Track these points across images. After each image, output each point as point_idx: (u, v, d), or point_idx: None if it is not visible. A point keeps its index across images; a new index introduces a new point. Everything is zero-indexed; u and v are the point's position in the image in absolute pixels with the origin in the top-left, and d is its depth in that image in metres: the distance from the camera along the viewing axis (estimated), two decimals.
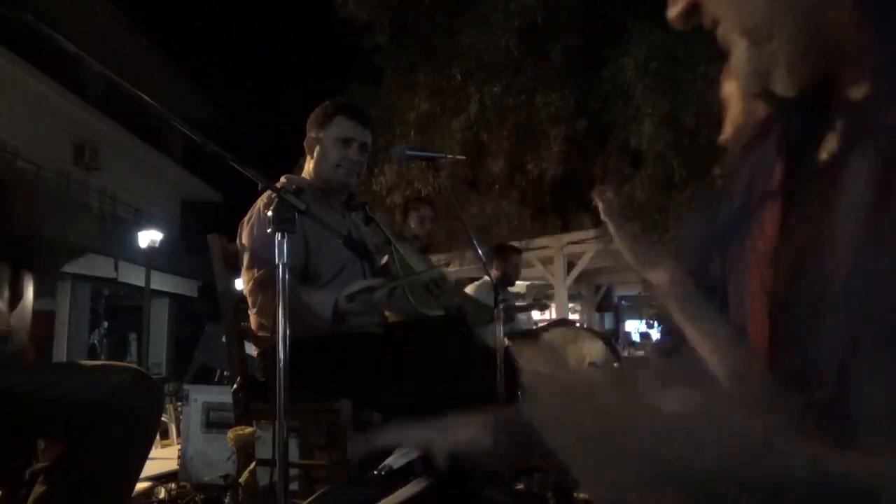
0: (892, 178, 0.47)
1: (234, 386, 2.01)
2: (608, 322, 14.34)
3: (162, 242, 13.80)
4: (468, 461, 0.81)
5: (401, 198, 8.04)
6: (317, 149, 2.15)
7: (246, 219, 2.06)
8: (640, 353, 7.58)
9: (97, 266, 13.42)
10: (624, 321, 14.65)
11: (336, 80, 8.90)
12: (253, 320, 2.07)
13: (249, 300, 2.00)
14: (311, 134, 2.18)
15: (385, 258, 2.15)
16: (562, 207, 10.36)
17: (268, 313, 1.90)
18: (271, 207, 1.31)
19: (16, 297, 1.53)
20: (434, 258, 4.49)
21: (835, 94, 0.55)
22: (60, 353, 13.03)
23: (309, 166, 2.19)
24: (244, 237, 2.04)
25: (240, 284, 2.08)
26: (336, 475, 1.89)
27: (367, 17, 8.47)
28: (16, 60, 12.14)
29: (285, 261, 1.27)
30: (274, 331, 1.31)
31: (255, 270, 1.95)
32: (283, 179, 2.15)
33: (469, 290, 3.88)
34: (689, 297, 0.66)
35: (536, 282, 11.49)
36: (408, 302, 2.05)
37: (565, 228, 10.11)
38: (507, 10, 7.34)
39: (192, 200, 21.31)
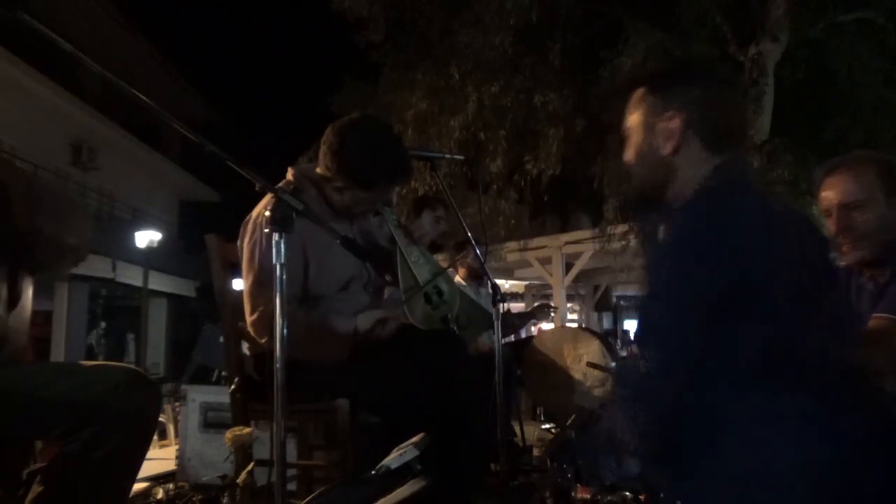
0: None
1: (232, 386, 2.01)
2: (606, 322, 14.38)
3: (160, 243, 13.79)
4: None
5: (396, 196, 8.00)
6: (346, 190, 1.97)
7: (249, 229, 1.94)
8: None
9: (95, 266, 13.40)
10: (622, 321, 14.68)
11: (333, 78, 8.84)
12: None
13: (253, 330, 1.91)
14: (342, 179, 1.95)
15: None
16: (560, 207, 10.36)
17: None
18: (269, 207, 1.30)
19: (14, 297, 1.53)
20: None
21: None
22: (58, 354, 13.00)
23: (326, 172, 1.97)
24: (245, 248, 1.93)
25: (237, 285, 2.06)
26: (334, 475, 1.89)
27: (361, 13, 8.41)
28: (13, 60, 12.10)
29: (283, 261, 1.27)
30: (272, 333, 1.30)
31: (260, 300, 1.86)
32: (289, 175, 2.01)
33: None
34: None
35: (535, 281, 11.50)
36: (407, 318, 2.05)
37: (564, 228, 10.11)
38: (502, 8, 7.32)
39: (190, 200, 21.27)
